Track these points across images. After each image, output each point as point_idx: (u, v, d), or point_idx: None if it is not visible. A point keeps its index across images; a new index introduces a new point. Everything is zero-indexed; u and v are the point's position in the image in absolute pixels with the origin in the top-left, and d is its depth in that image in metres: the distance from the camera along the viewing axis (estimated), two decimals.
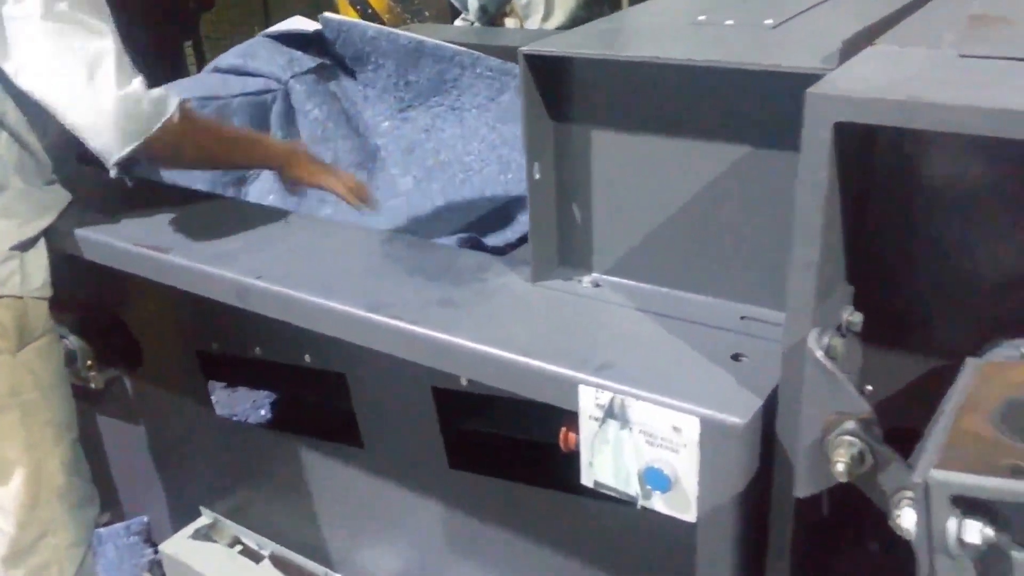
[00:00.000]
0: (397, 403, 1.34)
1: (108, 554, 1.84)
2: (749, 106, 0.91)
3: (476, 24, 2.70)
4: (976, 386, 0.68)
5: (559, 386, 0.94)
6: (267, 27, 2.07)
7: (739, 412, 0.85)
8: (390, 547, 1.51)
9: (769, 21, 1.00)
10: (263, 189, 1.75)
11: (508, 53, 1.71)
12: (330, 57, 1.93)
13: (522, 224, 1.58)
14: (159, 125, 1.19)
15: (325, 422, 1.56)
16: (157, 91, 1.23)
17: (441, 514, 1.39)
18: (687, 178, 0.99)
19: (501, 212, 1.68)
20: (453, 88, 1.83)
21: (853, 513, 0.89)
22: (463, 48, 1.82)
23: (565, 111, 1.05)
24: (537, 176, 1.06)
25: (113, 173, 1.23)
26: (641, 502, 0.93)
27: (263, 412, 1.78)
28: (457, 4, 2.80)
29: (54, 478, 1.37)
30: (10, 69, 1.19)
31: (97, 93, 1.15)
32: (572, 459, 0.97)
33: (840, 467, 0.77)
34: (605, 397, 0.91)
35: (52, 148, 1.35)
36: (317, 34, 1.94)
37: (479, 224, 1.64)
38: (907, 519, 0.64)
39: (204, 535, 1.72)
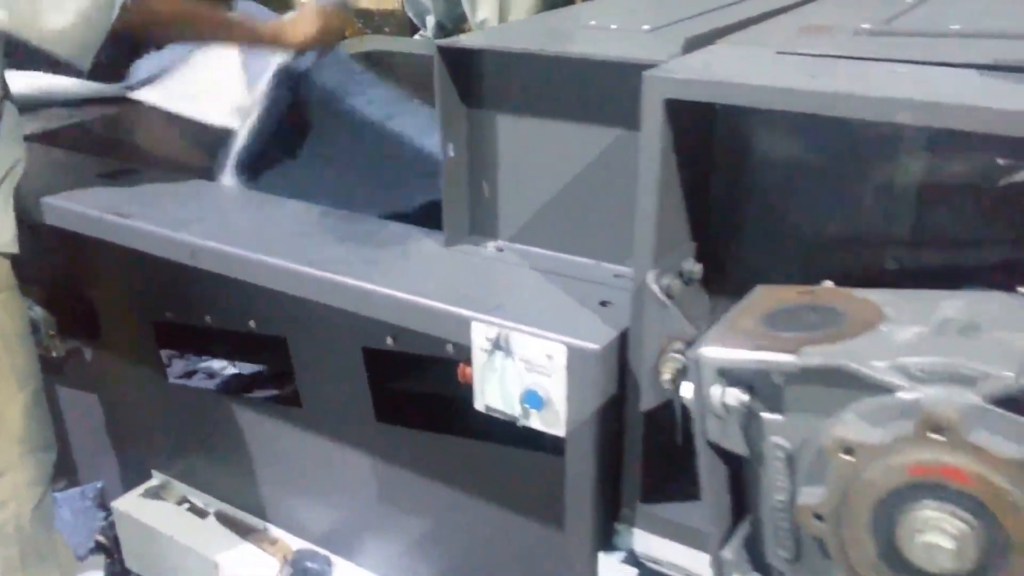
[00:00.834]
0: (331, 364, 1.53)
1: (64, 517, 2.00)
2: (614, 93, 1.13)
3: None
4: (754, 299, 0.89)
5: (457, 324, 1.15)
6: None
7: (597, 341, 1.06)
8: (324, 499, 1.70)
9: (647, 26, 1.23)
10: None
11: None
12: None
13: None
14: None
15: (267, 385, 1.76)
16: None
17: (369, 465, 1.58)
18: (572, 157, 1.21)
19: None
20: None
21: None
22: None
23: (476, 98, 1.27)
24: (451, 154, 1.28)
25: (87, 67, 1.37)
26: (521, 421, 1.13)
27: (213, 379, 1.97)
28: (416, 21, 3.04)
29: (14, 423, 1.49)
30: None
31: None
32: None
33: (666, 377, 0.98)
34: (493, 332, 1.12)
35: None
36: None
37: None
38: (686, 389, 0.85)
39: (154, 494, 1.91)
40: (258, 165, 1.67)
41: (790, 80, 0.91)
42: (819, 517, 0.80)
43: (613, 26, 1.25)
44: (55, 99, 2.02)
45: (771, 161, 1.08)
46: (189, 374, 1.96)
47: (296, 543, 1.76)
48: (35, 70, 1.88)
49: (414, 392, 1.53)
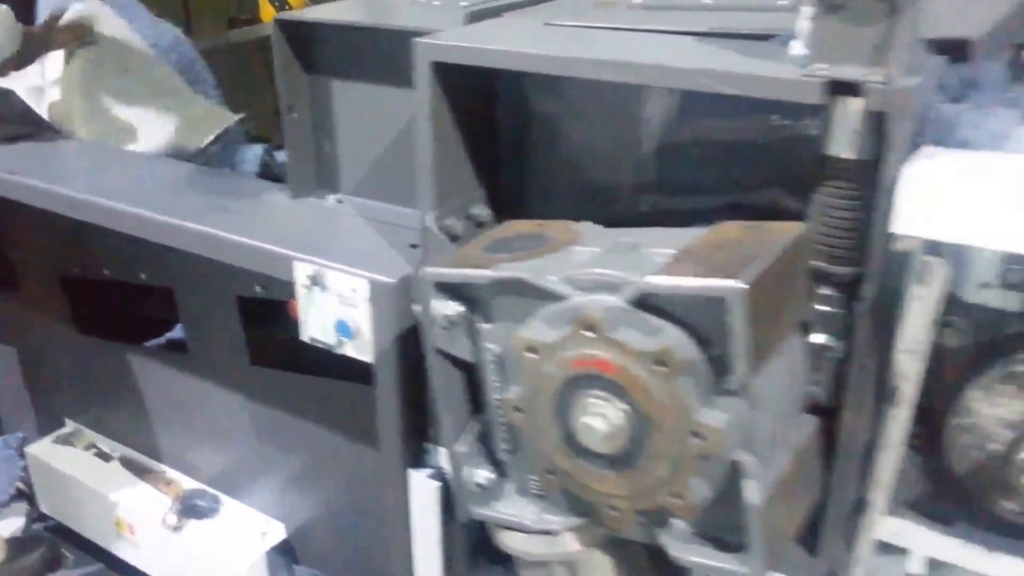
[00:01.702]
0: (211, 312, 1.72)
1: None
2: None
3: None
4: (494, 231, 1.08)
5: (285, 264, 1.33)
6: None
7: (394, 275, 1.25)
8: (211, 441, 1.88)
9: (464, 3, 1.40)
10: None
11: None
12: None
13: None
14: None
15: (161, 334, 1.96)
16: None
17: (247, 407, 1.77)
18: (391, 117, 1.39)
19: None
20: None
21: None
22: None
23: (316, 65, 1.45)
24: (295, 115, 1.46)
25: None
26: (337, 349, 1.32)
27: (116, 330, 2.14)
28: None
29: None
30: None
31: None
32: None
33: None
34: (312, 269, 1.30)
35: None
36: None
37: None
38: (414, 307, 1.04)
39: (64, 440, 2.10)
40: None
41: (530, 46, 1.09)
42: (519, 410, 0.98)
43: (436, 2, 1.43)
44: None
45: (545, 120, 1.26)
46: (96, 326, 2.14)
47: (190, 484, 1.95)
48: None
49: (281, 337, 1.72)
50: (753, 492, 0.87)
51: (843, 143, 0.90)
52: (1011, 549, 0.99)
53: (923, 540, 1.03)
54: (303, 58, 1.44)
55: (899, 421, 0.95)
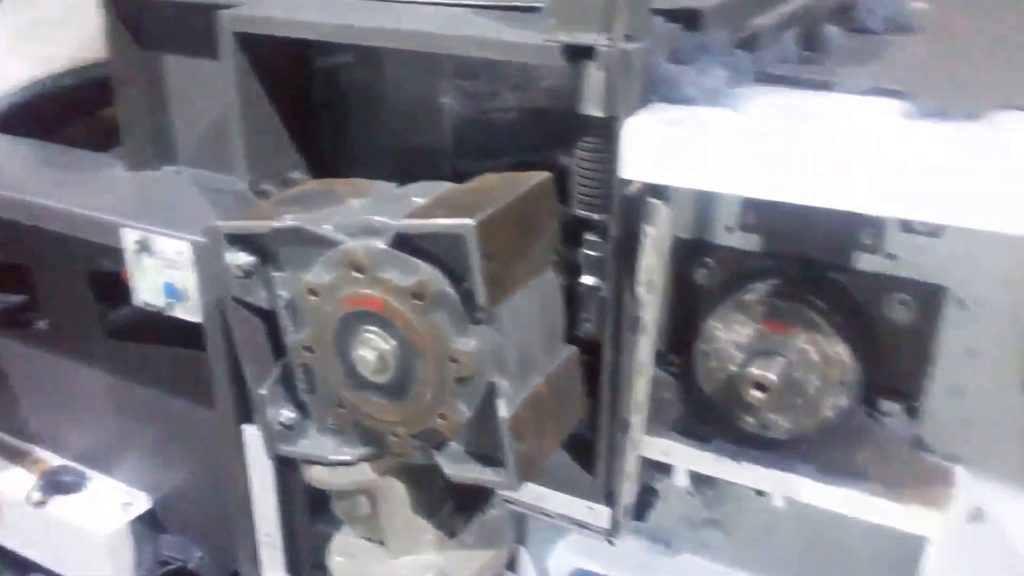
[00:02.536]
0: (64, 287, 1.81)
1: None
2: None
3: None
4: (297, 189, 1.20)
5: (116, 231, 1.43)
6: None
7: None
8: (73, 417, 1.97)
9: None
10: None
11: None
12: None
13: None
14: None
15: (26, 312, 2.03)
16: None
17: (105, 381, 1.86)
18: (218, 90, 1.49)
19: None
20: None
21: None
22: None
23: (146, 40, 1.55)
24: (131, 92, 1.56)
25: None
26: (167, 311, 1.42)
27: None
28: None
29: None
30: None
31: None
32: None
33: None
34: (138, 235, 1.41)
35: None
36: None
37: None
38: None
39: None
40: None
41: (316, 15, 1.20)
42: (309, 350, 1.11)
43: None
44: None
45: (355, 87, 1.38)
46: None
47: (59, 462, 2.03)
48: None
49: (129, 310, 1.81)
50: (503, 409, 1.00)
51: (589, 101, 1.04)
52: (754, 459, 1.14)
53: (685, 456, 1.18)
54: (134, 32, 1.54)
55: (644, 348, 1.09)
